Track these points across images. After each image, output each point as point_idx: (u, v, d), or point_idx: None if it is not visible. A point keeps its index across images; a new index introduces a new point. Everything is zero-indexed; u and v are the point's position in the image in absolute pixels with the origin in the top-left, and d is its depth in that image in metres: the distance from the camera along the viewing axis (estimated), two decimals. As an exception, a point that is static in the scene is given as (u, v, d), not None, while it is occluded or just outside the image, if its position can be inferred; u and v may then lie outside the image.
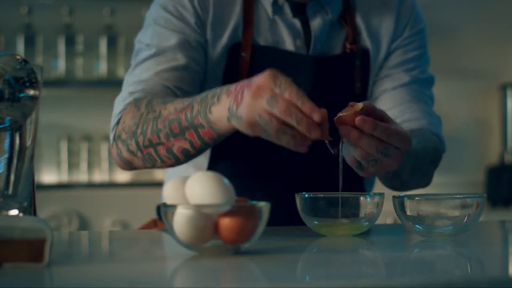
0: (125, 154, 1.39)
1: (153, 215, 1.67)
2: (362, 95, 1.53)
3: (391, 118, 1.18)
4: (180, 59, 1.44)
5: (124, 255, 1.09)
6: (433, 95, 1.60)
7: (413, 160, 1.38)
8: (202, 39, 1.47)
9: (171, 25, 1.46)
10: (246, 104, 1.14)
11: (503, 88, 3.62)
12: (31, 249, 0.88)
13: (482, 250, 1.12)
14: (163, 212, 0.99)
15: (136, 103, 1.39)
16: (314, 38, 1.51)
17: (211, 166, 1.49)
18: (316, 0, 1.51)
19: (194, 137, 1.29)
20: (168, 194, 1.01)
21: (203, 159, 1.51)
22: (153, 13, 1.50)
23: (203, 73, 1.48)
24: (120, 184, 3.36)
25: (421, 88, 1.56)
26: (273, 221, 1.07)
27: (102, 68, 3.32)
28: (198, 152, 1.33)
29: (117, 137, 1.41)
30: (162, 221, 1.30)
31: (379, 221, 1.23)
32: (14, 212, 1.01)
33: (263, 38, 1.50)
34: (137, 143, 1.36)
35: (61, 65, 3.28)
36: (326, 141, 1.15)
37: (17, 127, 1.01)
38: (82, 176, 3.36)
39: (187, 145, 1.31)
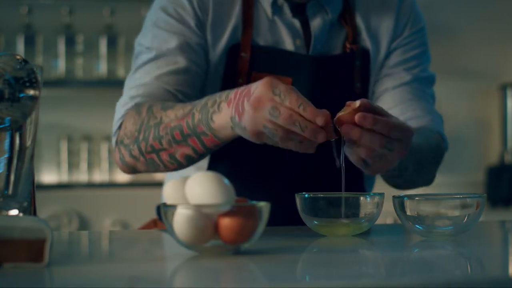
0: (128, 159, 1.40)
1: (153, 215, 1.67)
2: (362, 95, 1.53)
3: (389, 113, 1.18)
4: (181, 62, 1.44)
5: (124, 255, 1.09)
6: (434, 94, 1.60)
7: (416, 156, 1.38)
8: (202, 41, 1.47)
9: (171, 28, 1.46)
10: (249, 116, 1.15)
11: (503, 88, 3.62)
12: (31, 249, 0.88)
13: (482, 250, 1.12)
14: (163, 212, 0.99)
15: (137, 108, 1.39)
16: (314, 38, 1.51)
17: (211, 166, 1.50)
18: (316, 0, 1.51)
19: (197, 144, 1.30)
20: (168, 194, 1.01)
21: (203, 159, 1.51)
22: (153, 15, 1.50)
23: (204, 75, 1.48)
24: (120, 184, 3.36)
25: (422, 86, 1.56)
26: (273, 221, 1.07)
27: (102, 68, 3.32)
28: (201, 157, 1.34)
29: (119, 142, 1.42)
30: (162, 221, 1.30)
31: (379, 221, 1.23)
32: (14, 212, 1.01)
33: (263, 39, 1.50)
34: (140, 149, 1.36)
35: (61, 65, 3.28)
36: (332, 140, 1.15)
37: (17, 127, 1.01)
38: (82, 176, 3.36)
39: (190, 151, 1.32)
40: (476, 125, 3.68)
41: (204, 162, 1.51)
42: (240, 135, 1.22)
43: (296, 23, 1.51)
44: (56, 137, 3.35)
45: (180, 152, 1.32)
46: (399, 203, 1.16)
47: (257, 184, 1.50)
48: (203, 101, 1.28)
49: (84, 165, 3.37)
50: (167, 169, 1.37)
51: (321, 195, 1.20)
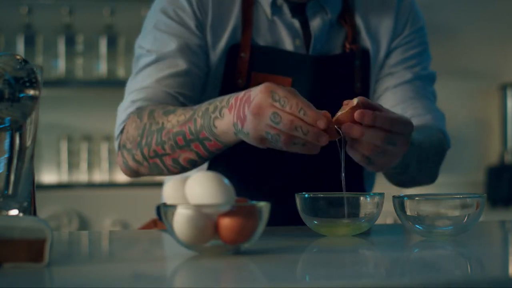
0: (131, 163, 1.40)
1: (153, 215, 1.67)
2: (362, 95, 1.53)
3: (388, 109, 1.18)
4: (181, 64, 1.44)
5: (124, 255, 1.09)
6: (436, 92, 1.60)
7: (418, 153, 1.38)
8: (202, 42, 1.47)
9: (171, 30, 1.46)
10: (251, 124, 1.16)
11: (503, 88, 3.62)
12: (31, 249, 0.88)
13: (482, 250, 1.12)
14: (163, 212, 0.99)
15: (138, 113, 1.40)
16: (314, 38, 1.51)
17: (211, 166, 1.50)
18: (315, 0, 1.51)
19: (200, 149, 1.30)
20: (168, 194, 1.01)
21: (204, 160, 1.51)
22: (153, 17, 1.50)
23: (204, 77, 1.48)
24: (120, 184, 3.36)
25: (423, 84, 1.56)
26: (273, 221, 1.07)
27: (102, 68, 3.32)
28: (204, 160, 1.34)
29: (122, 146, 1.42)
30: (162, 221, 1.30)
31: (379, 221, 1.23)
32: (14, 212, 1.01)
33: (263, 39, 1.50)
34: (143, 154, 1.37)
35: (61, 65, 3.28)
36: (336, 140, 1.15)
37: (17, 127, 1.01)
38: (82, 176, 3.36)
39: (193, 156, 1.32)
40: (476, 125, 3.67)
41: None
42: (243, 139, 1.23)
43: (296, 23, 1.51)
44: (56, 137, 3.35)
45: (184, 156, 1.33)
46: (399, 203, 1.16)
47: (257, 184, 1.50)
48: (203, 106, 1.29)
49: (84, 165, 3.37)
50: (170, 173, 1.38)
51: (321, 195, 1.20)
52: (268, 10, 1.50)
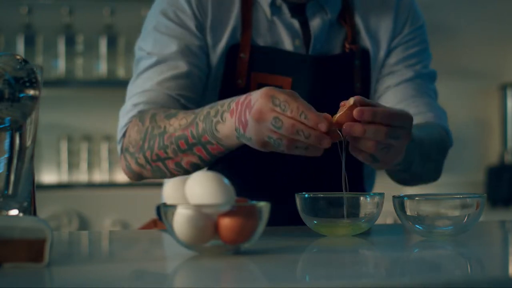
0: (134, 166, 1.41)
1: (153, 215, 1.67)
2: (363, 95, 1.52)
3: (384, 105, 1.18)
4: (182, 66, 1.44)
5: (124, 255, 1.09)
6: (437, 90, 1.60)
7: (420, 149, 1.38)
8: (202, 43, 1.47)
9: (172, 32, 1.46)
10: (253, 129, 1.16)
11: (503, 88, 3.62)
12: (31, 249, 0.88)
13: (482, 250, 1.12)
14: (163, 212, 0.99)
15: (140, 116, 1.40)
16: (314, 38, 1.51)
17: (211, 166, 1.50)
18: (315, 0, 1.51)
19: (202, 152, 1.31)
20: (168, 194, 1.01)
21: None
22: (153, 19, 1.50)
23: (205, 78, 1.48)
24: (120, 184, 3.36)
25: (424, 82, 1.57)
26: (273, 221, 1.07)
27: (102, 68, 3.32)
28: (207, 164, 1.34)
29: (125, 150, 1.42)
30: (162, 221, 1.30)
31: (379, 221, 1.23)
32: (14, 212, 1.00)
33: (262, 39, 1.50)
34: (145, 157, 1.37)
35: (61, 65, 3.28)
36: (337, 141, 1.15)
37: (17, 127, 1.01)
38: (82, 176, 3.36)
39: (195, 159, 1.32)
40: (476, 125, 3.67)
41: (204, 162, 1.51)
42: (245, 143, 1.23)
43: (295, 23, 1.51)
44: (56, 137, 3.35)
45: (186, 160, 1.33)
46: (399, 203, 1.16)
47: (257, 184, 1.50)
48: (205, 110, 1.29)
49: (84, 165, 3.37)
50: (173, 176, 1.38)
51: (321, 195, 1.20)
52: (267, 10, 1.50)
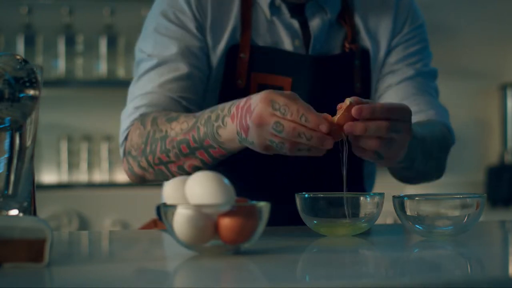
0: (137, 169, 1.41)
1: (153, 215, 1.67)
2: (363, 95, 1.53)
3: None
4: (182, 68, 1.45)
5: (124, 255, 1.09)
6: (438, 88, 1.60)
7: (422, 146, 1.38)
8: (203, 44, 1.47)
9: (172, 33, 1.46)
10: (254, 133, 1.17)
11: (503, 88, 3.62)
12: (31, 249, 0.88)
13: (482, 250, 1.12)
14: (163, 212, 0.99)
15: (141, 120, 1.40)
16: (314, 38, 1.51)
17: (211, 166, 1.50)
18: (314, 1, 1.51)
19: (205, 156, 1.31)
20: (168, 194, 1.01)
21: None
22: (153, 20, 1.50)
23: (206, 79, 1.48)
24: (120, 184, 3.36)
25: (425, 80, 1.57)
26: (273, 221, 1.07)
27: (102, 68, 3.32)
28: (209, 166, 1.35)
29: (127, 153, 1.43)
30: (162, 221, 1.30)
31: (379, 221, 1.23)
32: (14, 212, 1.00)
33: (262, 39, 1.50)
34: (148, 161, 1.38)
35: (61, 65, 3.28)
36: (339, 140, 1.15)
37: (17, 127, 1.01)
38: (82, 176, 3.36)
39: (198, 163, 1.33)
40: (476, 125, 3.67)
41: (204, 162, 1.51)
42: (248, 146, 1.23)
43: (295, 23, 1.51)
44: (56, 137, 3.35)
45: (189, 163, 1.34)
46: (399, 203, 1.16)
47: (257, 184, 1.50)
48: (205, 114, 1.29)
49: (84, 165, 3.36)
50: None
51: (321, 195, 1.20)
52: (266, 10, 1.50)
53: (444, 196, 1.22)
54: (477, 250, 1.12)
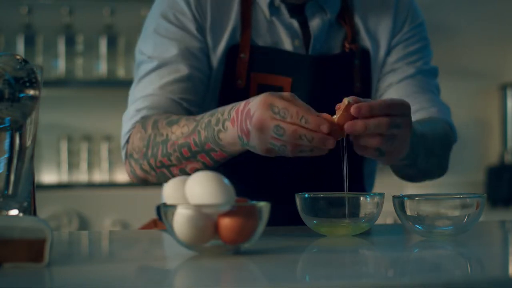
0: (139, 172, 1.41)
1: (153, 215, 1.67)
2: (362, 94, 1.53)
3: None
4: (183, 69, 1.45)
5: (124, 255, 1.09)
6: (439, 85, 1.60)
7: (424, 143, 1.38)
8: (203, 45, 1.47)
9: (172, 35, 1.46)
10: (256, 138, 1.17)
11: (503, 88, 3.62)
12: (31, 249, 0.88)
13: (482, 250, 1.12)
14: (163, 212, 0.99)
15: (142, 123, 1.40)
16: (313, 38, 1.51)
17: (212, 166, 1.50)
18: (314, 1, 1.51)
19: (206, 159, 1.31)
20: (168, 194, 1.01)
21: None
22: (153, 21, 1.50)
23: (207, 80, 1.48)
24: (120, 184, 3.36)
25: (426, 78, 1.57)
26: (273, 221, 1.07)
27: (102, 68, 3.32)
28: (211, 169, 1.35)
29: (129, 156, 1.43)
30: (162, 221, 1.30)
31: (379, 221, 1.23)
32: (14, 212, 1.00)
33: (262, 39, 1.50)
34: (150, 164, 1.38)
35: (61, 65, 3.28)
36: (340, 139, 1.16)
37: (17, 127, 1.01)
38: (82, 176, 3.36)
39: (199, 165, 1.33)
40: (476, 125, 3.67)
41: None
42: (249, 149, 1.23)
43: (294, 23, 1.51)
44: (56, 137, 3.35)
45: (190, 166, 1.34)
46: (399, 203, 1.16)
47: (257, 184, 1.50)
48: (206, 118, 1.29)
49: (84, 165, 3.37)
50: None
51: (321, 195, 1.20)
52: (266, 10, 1.50)
53: (444, 196, 1.22)
54: (477, 250, 1.12)
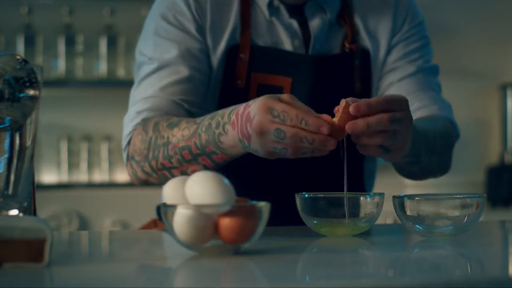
0: (140, 174, 1.42)
1: (153, 215, 1.67)
2: (363, 94, 1.53)
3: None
4: (183, 71, 1.45)
5: (124, 255, 1.09)
6: (440, 83, 1.60)
7: (426, 141, 1.38)
8: (203, 46, 1.47)
9: (172, 36, 1.46)
10: (257, 142, 1.17)
11: (503, 88, 3.62)
12: (31, 249, 0.88)
13: (482, 250, 1.12)
14: (163, 212, 0.99)
15: (143, 125, 1.40)
16: (314, 38, 1.51)
17: (212, 166, 1.50)
18: (314, 1, 1.51)
19: (207, 161, 1.31)
20: (168, 194, 1.01)
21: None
22: (153, 22, 1.49)
23: (207, 80, 1.48)
24: (120, 184, 3.36)
25: (427, 76, 1.57)
26: (273, 221, 1.07)
27: (102, 68, 3.32)
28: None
29: (130, 158, 1.43)
30: (162, 221, 1.30)
31: (379, 221, 1.23)
32: (14, 212, 1.00)
33: (262, 39, 1.50)
34: (151, 166, 1.38)
35: (61, 65, 3.28)
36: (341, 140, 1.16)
37: (17, 127, 1.01)
38: (82, 176, 3.36)
39: (200, 168, 1.33)
40: (476, 125, 3.67)
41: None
42: (251, 152, 1.23)
43: (294, 23, 1.51)
44: (56, 137, 3.35)
45: (192, 169, 1.34)
46: (399, 203, 1.16)
47: (257, 184, 1.50)
48: (206, 121, 1.29)
49: (84, 165, 3.37)
50: None
51: (321, 195, 1.20)
52: (265, 11, 1.50)
53: (444, 196, 1.22)
54: (477, 250, 1.12)
